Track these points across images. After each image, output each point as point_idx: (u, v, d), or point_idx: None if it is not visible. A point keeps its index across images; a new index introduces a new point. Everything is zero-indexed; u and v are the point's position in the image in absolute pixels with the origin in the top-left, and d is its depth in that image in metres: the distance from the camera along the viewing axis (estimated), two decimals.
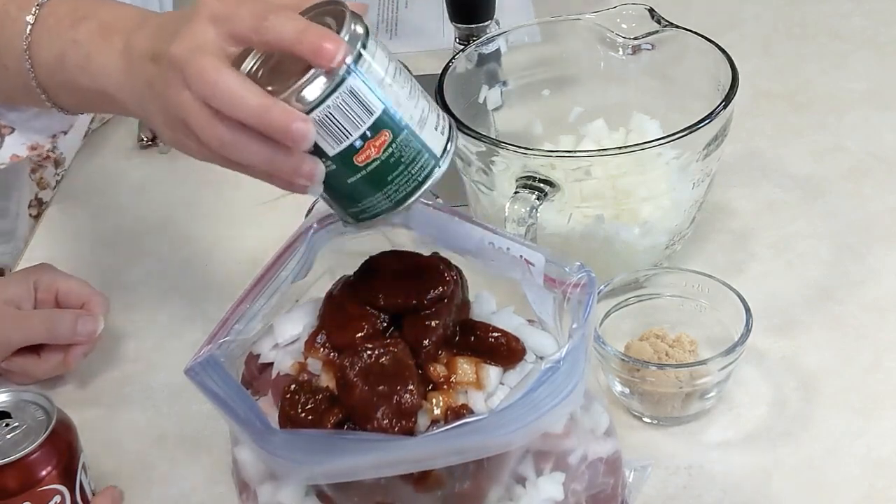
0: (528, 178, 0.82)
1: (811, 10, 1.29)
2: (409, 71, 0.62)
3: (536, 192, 0.81)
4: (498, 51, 0.97)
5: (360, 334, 0.65)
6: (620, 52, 0.95)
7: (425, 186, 0.62)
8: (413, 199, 0.62)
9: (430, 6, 1.36)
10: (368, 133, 0.59)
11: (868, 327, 0.87)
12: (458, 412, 0.62)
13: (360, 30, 0.59)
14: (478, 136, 0.84)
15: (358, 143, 0.59)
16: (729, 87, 0.85)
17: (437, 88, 0.88)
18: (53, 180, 1.11)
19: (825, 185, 1.03)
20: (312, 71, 0.58)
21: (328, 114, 0.59)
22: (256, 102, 0.59)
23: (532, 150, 0.83)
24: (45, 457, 0.70)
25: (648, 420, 0.81)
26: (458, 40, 1.19)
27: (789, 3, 1.31)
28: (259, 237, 0.99)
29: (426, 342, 0.64)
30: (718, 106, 0.84)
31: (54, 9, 0.73)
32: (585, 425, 0.66)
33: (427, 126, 0.61)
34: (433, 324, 0.65)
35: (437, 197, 0.91)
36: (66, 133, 0.88)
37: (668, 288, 0.85)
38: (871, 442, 0.78)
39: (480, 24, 1.17)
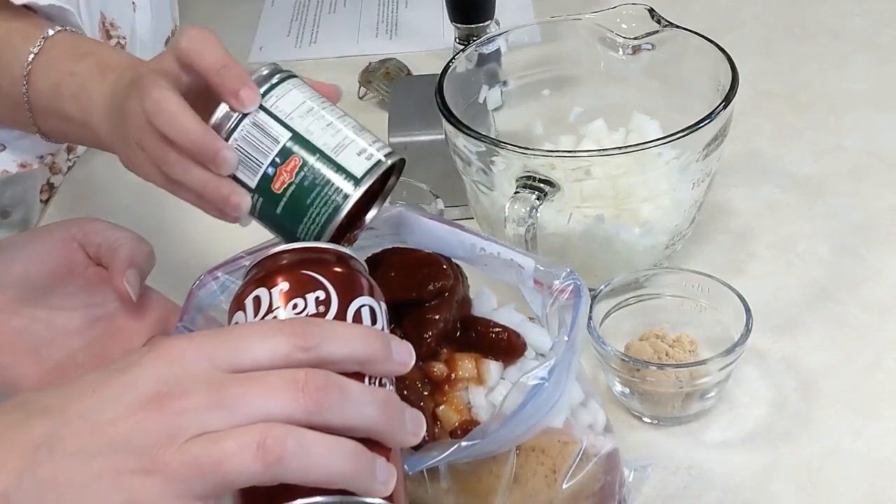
0: (528, 178, 0.82)
1: (811, 10, 1.29)
2: (341, 110, 0.65)
3: (536, 192, 0.81)
4: (498, 51, 0.97)
5: None
6: (620, 52, 0.94)
7: (347, 206, 0.63)
8: (335, 221, 0.63)
9: (430, 6, 1.36)
10: (278, 160, 0.63)
11: (868, 327, 0.87)
12: (466, 430, 0.62)
13: (265, 72, 0.64)
14: (478, 136, 0.84)
15: (270, 171, 0.63)
16: (729, 87, 0.85)
17: (437, 88, 0.88)
18: (65, 166, 1.12)
19: (825, 185, 1.03)
20: (221, 105, 0.63)
21: (238, 146, 0.63)
22: (190, 125, 0.63)
23: (532, 150, 0.83)
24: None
25: (648, 420, 0.81)
26: (458, 40, 1.19)
27: (789, 3, 1.31)
28: (258, 238, 0.98)
29: (427, 335, 0.64)
30: (718, 106, 0.84)
31: (57, 42, 0.78)
32: (584, 421, 0.66)
33: (345, 152, 0.63)
34: (434, 317, 0.65)
35: (438, 197, 0.91)
36: (53, 155, 0.90)
37: (668, 288, 0.85)
38: (871, 442, 0.78)
39: (480, 24, 1.17)
